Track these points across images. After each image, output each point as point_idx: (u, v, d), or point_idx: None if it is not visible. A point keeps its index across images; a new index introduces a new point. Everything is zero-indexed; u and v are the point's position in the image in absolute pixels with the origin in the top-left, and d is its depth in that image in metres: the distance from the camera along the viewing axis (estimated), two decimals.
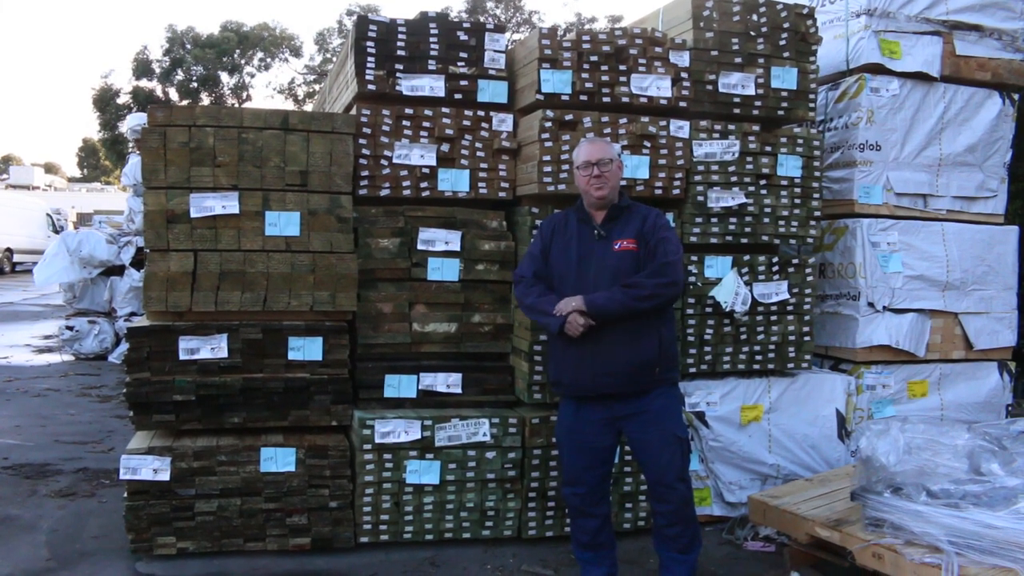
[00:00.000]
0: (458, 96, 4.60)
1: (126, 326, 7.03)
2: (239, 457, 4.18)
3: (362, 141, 4.45)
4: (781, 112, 4.83)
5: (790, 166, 4.79)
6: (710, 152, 4.66)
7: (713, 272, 4.69)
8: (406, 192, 4.53)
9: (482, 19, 25.29)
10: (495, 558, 4.28)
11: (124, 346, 6.69)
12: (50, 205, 28.93)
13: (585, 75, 4.50)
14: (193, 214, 4.21)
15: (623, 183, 4.11)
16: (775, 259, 4.81)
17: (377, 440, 4.21)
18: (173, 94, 30.29)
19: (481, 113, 4.60)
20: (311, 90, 30.97)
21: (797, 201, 4.83)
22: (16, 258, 23.67)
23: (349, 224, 4.39)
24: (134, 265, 10.27)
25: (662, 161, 4.58)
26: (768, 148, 4.75)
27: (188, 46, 30.19)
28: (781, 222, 4.81)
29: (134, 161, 10.59)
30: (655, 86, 4.59)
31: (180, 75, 30.59)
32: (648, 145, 4.56)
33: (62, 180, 59.36)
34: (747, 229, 4.75)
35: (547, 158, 4.40)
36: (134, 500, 4.09)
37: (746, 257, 4.76)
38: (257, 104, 36.92)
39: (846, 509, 3.73)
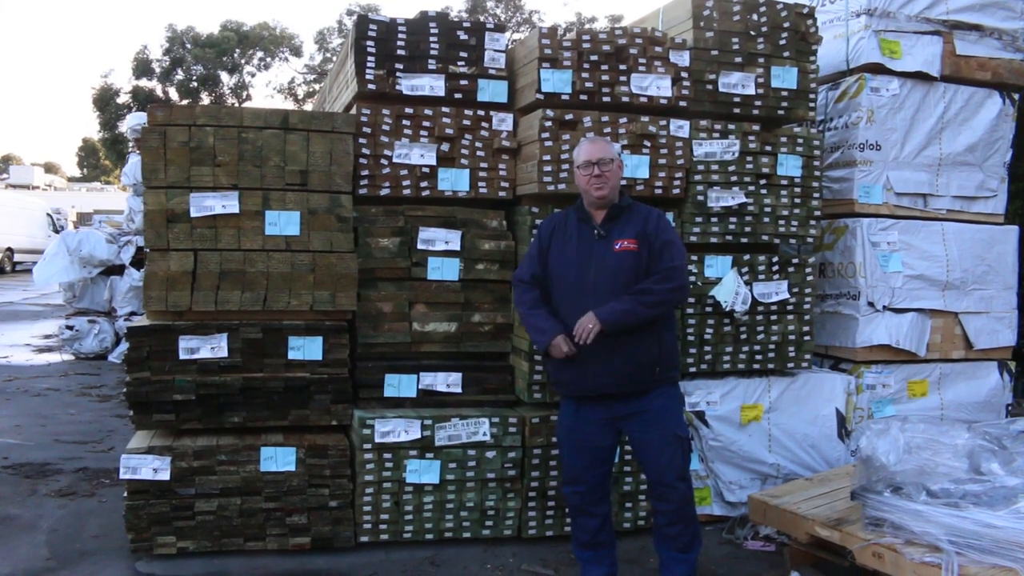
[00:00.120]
0: (458, 96, 4.60)
1: (126, 325, 7.03)
2: (239, 456, 4.18)
3: (362, 140, 4.45)
4: (781, 112, 4.83)
5: (790, 166, 4.79)
6: (710, 152, 4.66)
7: (713, 272, 4.69)
8: (406, 191, 4.53)
9: (482, 19, 25.28)
10: (495, 557, 4.28)
11: (124, 345, 6.69)
12: (50, 205, 28.91)
13: (585, 75, 4.50)
14: (193, 213, 4.21)
15: (623, 183, 4.11)
16: (775, 259, 4.81)
17: (377, 439, 4.22)
18: (173, 94, 30.31)
19: (481, 113, 4.60)
20: (311, 90, 30.98)
21: (797, 201, 4.83)
22: (17, 257, 23.69)
23: (349, 223, 4.39)
24: (134, 264, 10.27)
25: (662, 161, 4.58)
26: (768, 148, 4.75)
27: (188, 45, 30.20)
28: (781, 222, 4.81)
29: (134, 160, 10.59)
30: (655, 86, 4.59)
31: (180, 75, 30.61)
32: (648, 145, 4.56)
33: (62, 180, 59.33)
34: (747, 229, 4.75)
35: (547, 157, 4.40)
36: (134, 499, 4.09)
37: (746, 257, 4.76)
38: (257, 104, 36.97)
39: (846, 508, 3.73)
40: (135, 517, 4.08)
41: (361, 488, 4.25)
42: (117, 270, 10.54)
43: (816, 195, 4.88)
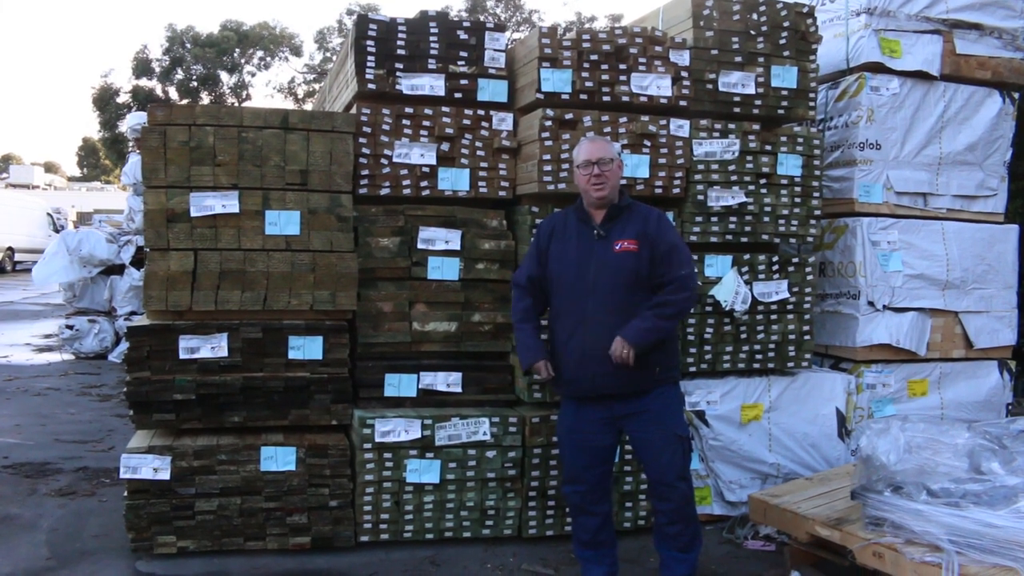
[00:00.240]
0: (458, 95, 4.60)
1: (126, 325, 7.04)
2: (239, 456, 4.18)
3: (362, 140, 4.45)
4: (781, 111, 4.83)
5: (790, 165, 4.79)
6: (710, 151, 4.66)
7: (713, 271, 4.69)
8: (406, 191, 4.53)
9: (482, 18, 25.28)
10: (495, 557, 4.28)
11: (124, 345, 6.69)
12: (50, 204, 28.92)
13: (585, 74, 4.50)
14: (193, 213, 4.21)
15: (623, 182, 4.11)
16: (775, 258, 4.81)
17: (377, 439, 4.22)
18: (173, 93, 30.30)
19: (481, 112, 4.60)
20: (311, 89, 30.98)
21: (797, 200, 4.83)
22: (17, 257, 23.70)
23: (349, 223, 4.39)
24: (134, 264, 10.27)
25: (662, 160, 4.58)
26: (768, 147, 4.75)
27: (188, 45, 30.19)
28: (781, 221, 4.81)
29: (134, 160, 10.58)
30: (655, 85, 4.59)
31: (180, 74, 30.61)
32: (648, 144, 4.56)
33: (62, 179, 59.29)
34: (747, 228, 4.75)
35: (547, 157, 4.40)
36: (134, 499, 4.09)
37: (746, 256, 4.76)
38: (257, 103, 36.99)
39: (846, 508, 3.73)
40: (135, 516, 4.08)
41: (361, 488, 4.25)
42: (117, 270, 10.54)
43: (816, 194, 4.88)
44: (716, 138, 4.67)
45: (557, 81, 4.47)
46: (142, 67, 29.97)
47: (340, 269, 4.33)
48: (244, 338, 4.24)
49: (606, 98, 4.55)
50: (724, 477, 4.75)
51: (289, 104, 30.43)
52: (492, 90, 4.65)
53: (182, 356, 4.18)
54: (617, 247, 3.62)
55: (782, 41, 4.80)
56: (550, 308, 3.81)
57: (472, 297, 4.57)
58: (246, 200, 4.27)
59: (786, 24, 4.81)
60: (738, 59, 4.73)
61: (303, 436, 4.33)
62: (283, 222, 4.30)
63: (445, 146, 4.54)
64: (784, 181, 4.80)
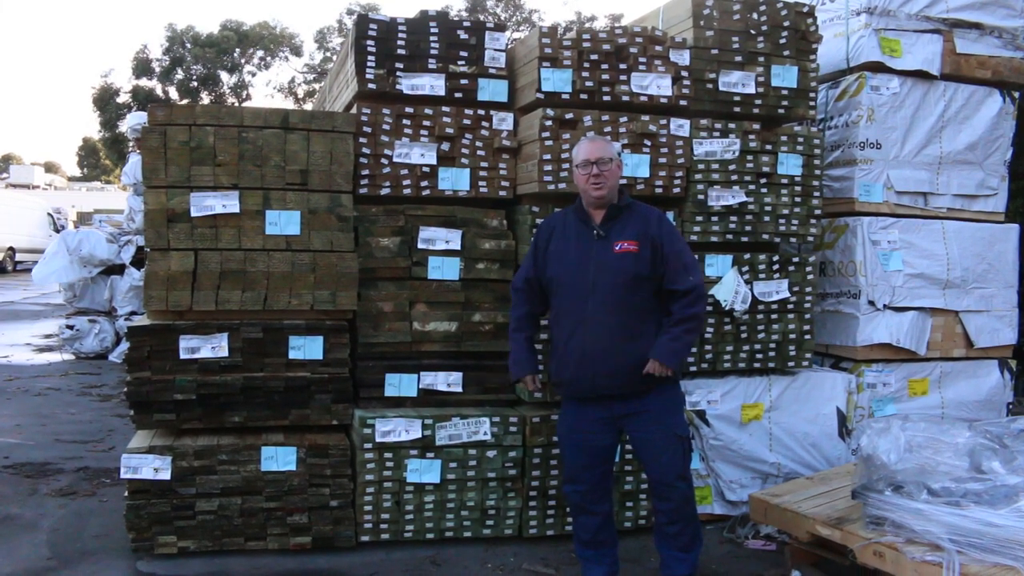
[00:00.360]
0: (458, 95, 4.60)
1: (126, 325, 7.04)
2: (240, 456, 4.18)
3: (362, 140, 4.45)
4: (781, 110, 4.83)
5: (790, 164, 4.79)
6: (710, 151, 4.66)
7: (713, 271, 4.69)
8: (406, 191, 4.53)
9: (482, 18, 25.28)
10: (496, 557, 4.28)
11: (124, 345, 6.68)
12: (50, 204, 28.92)
13: (585, 74, 4.49)
14: (193, 213, 4.21)
15: (623, 182, 4.11)
16: (775, 257, 4.81)
17: (378, 439, 4.22)
18: (173, 93, 30.31)
19: (481, 112, 4.60)
20: (311, 89, 30.98)
21: (797, 199, 4.83)
22: (18, 257, 23.71)
23: (349, 223, 4.39)
24: (134, 264, 10.27)
25: (662, 160, 4.58)
26: (768, 146, 4.75)
27: (188, 45, 30.20)
28: (781, 220, 4.81)
29: (134, 160, 10.58)
30: (655, 85, 4.58)
31: (180, 74, 30.62)
32: (648, 144, 4.56)
33: (62, 179, 59.31)
34: (747, 228, 4.75)
35: (547, 157, 4.40)
36: (135, 499, 4.09)
37: (746, 255, 4.76)
38: (257, 103, 36.97)
39: (847, 507, 3.73)
40: (136, 516, 4.08)
41: (362, 488, 4.25)
42: (117, 270, 10.54)
43: (816, 194, 4.88)
44: (716, 138, 4.67)
45: (557, 81, 4.47)
46: (142, 67, 29.98)
47: (340, 269, 4.33)
48: (244, 338, 4.24)
49: (606, 98, 4.55)
50: (725, 476, 4.75)
51: (289, 104, 30.46)
52: (492, 90, 4.64)
53: (182, 356, 4.18)
54: (617, 247, 3.62)
55: (782, 41, 4.80)
56: (550, 309, 3.81)
57: (472, 297, 4.56)
58: (246, 200, 4.26)
59: (786, 24, 4.81)
60: (738, 59, 4.73)
61: (304, 436, 4.33)
62: (283, 222, 4.30)
63: (445, 146, 4.54)
64: (784, 181, 4.79)
